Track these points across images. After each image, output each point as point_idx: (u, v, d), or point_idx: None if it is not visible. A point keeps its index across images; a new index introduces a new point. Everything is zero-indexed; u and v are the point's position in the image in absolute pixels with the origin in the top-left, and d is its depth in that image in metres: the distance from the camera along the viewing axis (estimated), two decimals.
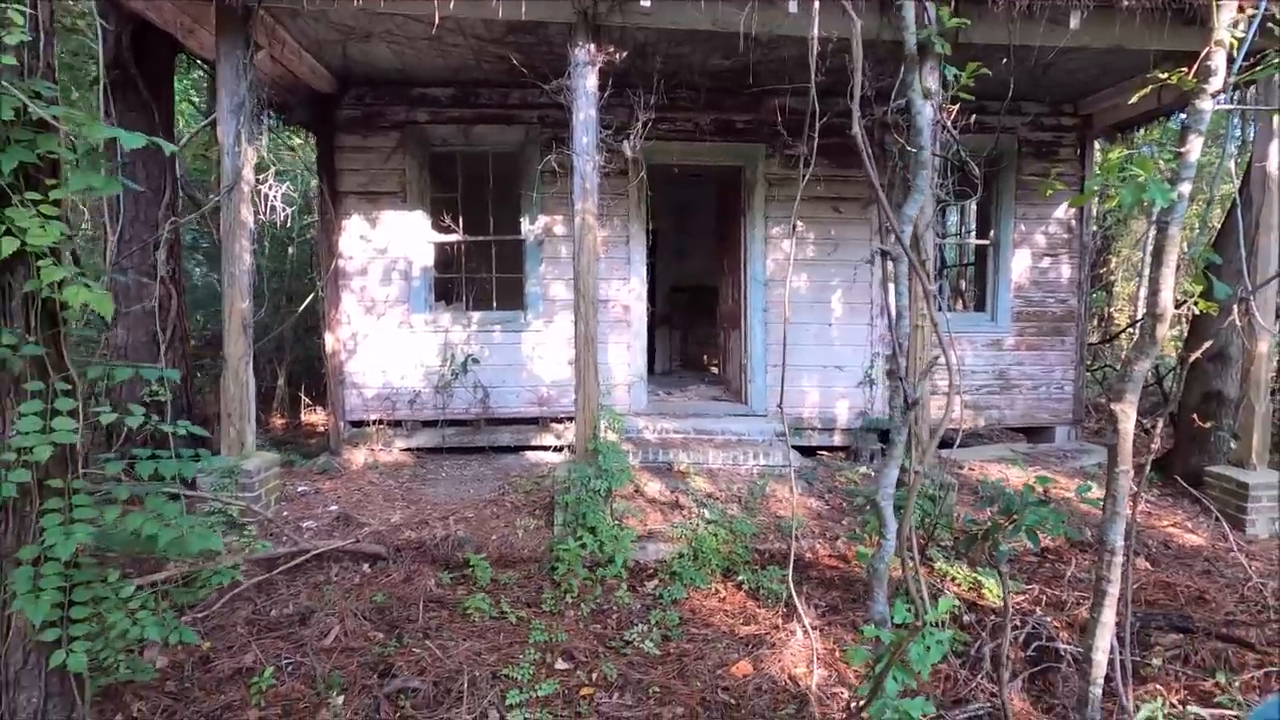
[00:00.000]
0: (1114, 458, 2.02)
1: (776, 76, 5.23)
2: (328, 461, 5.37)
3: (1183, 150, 1.88)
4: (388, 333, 5.92)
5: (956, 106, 3.91)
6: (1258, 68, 1.89)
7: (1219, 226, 6.15)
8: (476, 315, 6.03)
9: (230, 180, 4.02)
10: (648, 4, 3.96)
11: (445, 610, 3.33)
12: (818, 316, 6.16)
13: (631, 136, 4.61)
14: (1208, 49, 1.84)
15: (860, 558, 3.82)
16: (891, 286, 2.58)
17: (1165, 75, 2.00)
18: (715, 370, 8.69)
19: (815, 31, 2.79)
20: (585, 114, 4.17)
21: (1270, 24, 1.93)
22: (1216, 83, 1.83)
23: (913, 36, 2.48)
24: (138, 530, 1.70)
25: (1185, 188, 1.88)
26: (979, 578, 3.61)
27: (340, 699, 2.55)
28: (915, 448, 3.73)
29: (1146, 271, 10.15)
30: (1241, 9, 2.01)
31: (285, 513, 4.30)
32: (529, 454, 5.95)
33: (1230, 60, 1.91)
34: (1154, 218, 1.95)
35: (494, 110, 5.84)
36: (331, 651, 2.89)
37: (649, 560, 4.03)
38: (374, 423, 5.89)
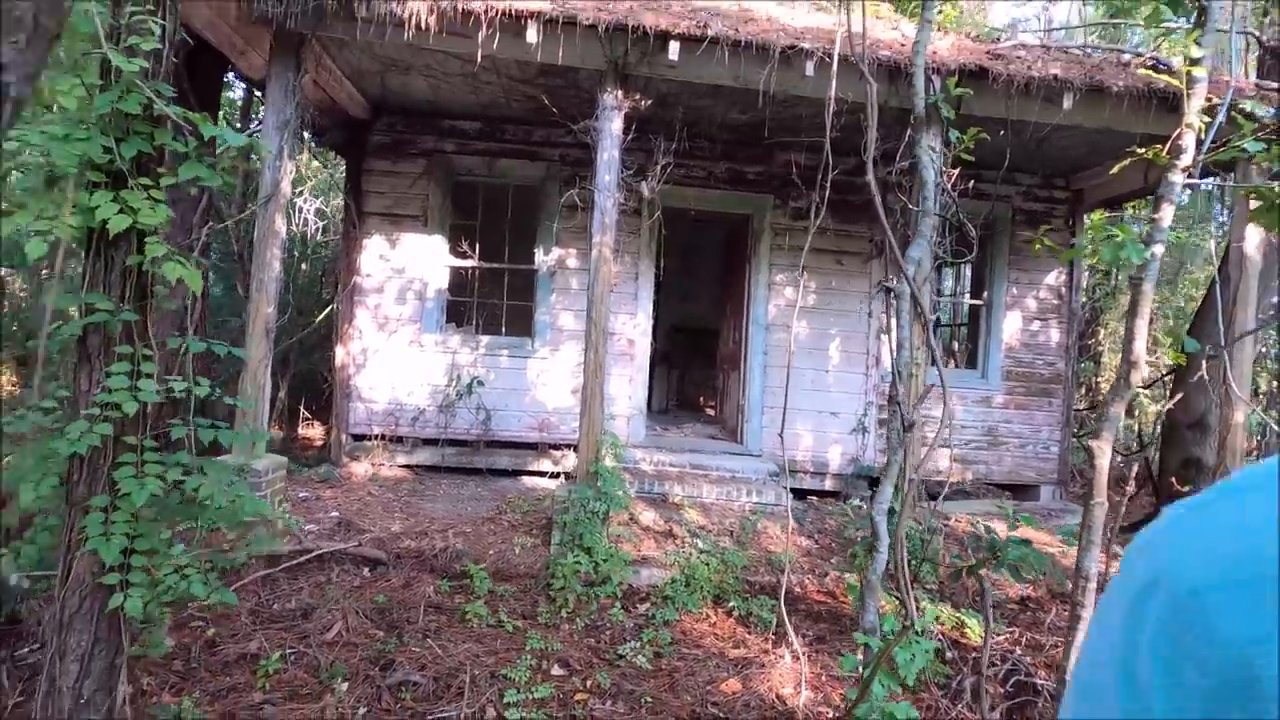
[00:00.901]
0: (1090, 491, 2.21)
1: (788, 132, 5.58)
2: (329, 470, 5.47)
3: (1156, 216, 2.13)
4: (398, 350, 6.09)
5: (956, 171, 4.24)
6: (1223, 149, 2.16)
7: (1200, 304, 6.47)
8: (485, 339, 6.23)
9: (269, 191, 4.25)
10: (674, 58, 4.29)
11: (444, 615, 3.43)
12: (815, 363, 6.38)
13: (650, 179, 4.91)
14: (1179, 130, 2.11)
15: (849, 590, 3.95)
16: (894, 320, 2.79)
17: (1143, 151, 2.26)
18: (711, 411, 8.86)
19: (833, 92, 3.07)
20: (609, 154, 4.46)
21: (1234, 112, 2.20)
22: (1186, 160, 2.10)
23: (921, 100, 2.74)
24: (192, 494, 1.85)
25: (1158, 249, 2.12)
26: (962, 618, 3.74)
27: (344, 686, 2.64)
28: (907, 473, 3.92)
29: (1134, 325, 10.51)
30: (1209, 99, 2.29)
31: (288, 515, 4.39)
32: (525, 479, 6.07)
33: (1199, 142, 2.18)
34: (1131, 275, 2.18)
35: (518, 145, 6.15)
36: (334, 645, 2.99)
37: (642, 584, 4.14)
38: (377, 437, 6.01)
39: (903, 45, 4.58)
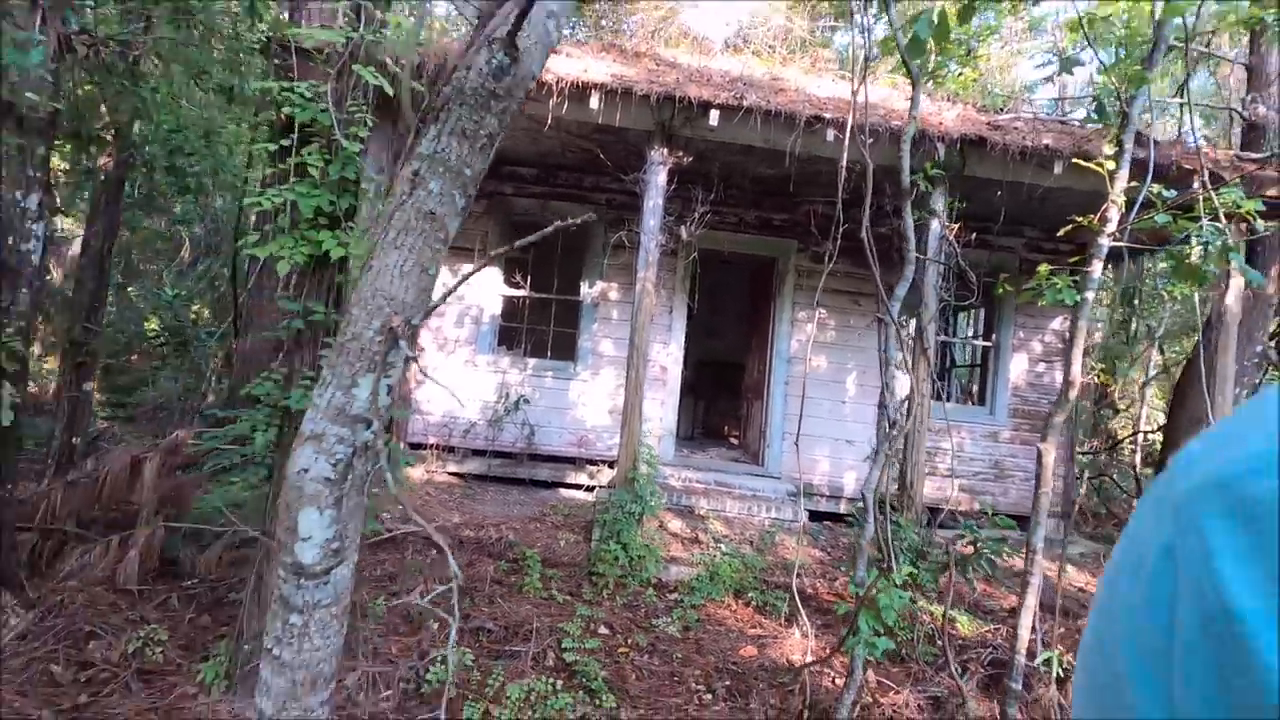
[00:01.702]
0: (1038, 482, 2.84)
1: (812, 185, 6.34)
2: (395, 475, 6.19)
3: (1088, 269, 2.80)
4: (454, 368, 6.86)
5: (958, 225, 4.95)
6: (1142, 220, 2.82)
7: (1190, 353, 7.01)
8: (532, 361, 6.98)
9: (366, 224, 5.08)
10: (714, 123, 5.08)
11: (504, 587, 4.08)
12: (832, 394, 7.02)
13: (689, 224, 5.68)
14: (1105, 206, 2.79)
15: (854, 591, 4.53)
16: (882, 343, 3.44)
17: (1082, 219, 2.95)
18: (734, 440, 9.47)
19: (844, 161, 3.80)
20: (654, 202, 5.24)
21: (1151, 195, 2.86)
22: (1111, 227, 2.78)
23: (908, 177, 3.41)
24: None
25: (1089, 294, 2.79)
26: (954, 615, 4.29)
27: (435, 626, 3.30)
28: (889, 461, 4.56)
29: (1147, 391, 10.97)
30: (1131, 179, 2.97)
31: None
32: (563, 490, 6.73)
33: (1125, 213, 2.87)
34: (1074, 314, 2.85)
35: (569, 190, 6.99)
36: (423, 594, 3.65)
37: (671, 579, 4.75)
38: (431, 446, 6.74)
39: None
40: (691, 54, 7.12)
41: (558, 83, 4.92)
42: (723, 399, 10.14)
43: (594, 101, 5.02)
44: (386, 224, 1.26)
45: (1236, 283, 5.56)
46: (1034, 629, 2.85)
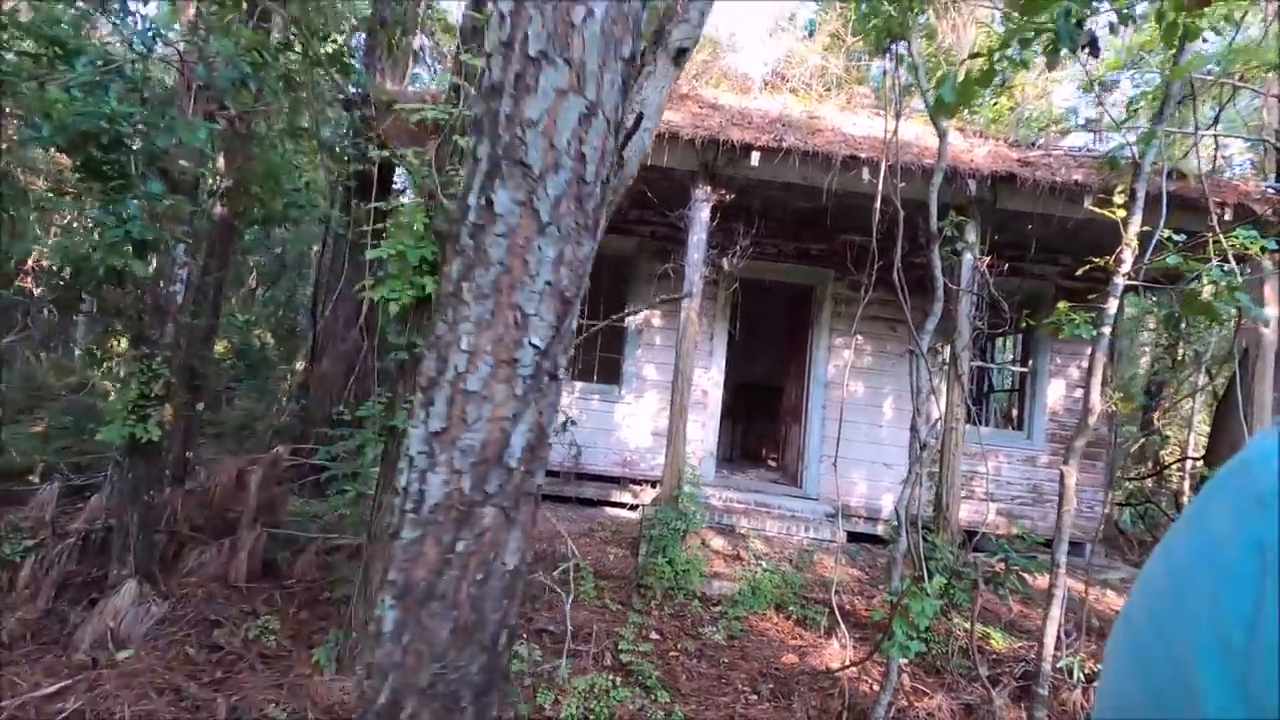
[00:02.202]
0: (1060, 502, 3.11)
1: (848, 216, 6.67)
2: None
3: (1104, 306, 3.09)
4: None
5: (988, 259, 5.24)
6: (1155, 260, 3.10)
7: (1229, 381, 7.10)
8: (579, 385, 7.39)
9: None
10: (755, 163, 5.47)
11: (560, 594, 4.44)
12: (870, 418, 7.27)
13: (730, 256, 6.06)
14: (1119, 249, 3.09)
15: (889, 599, 4.78)
16: (914, 373, 3.74)
17: (1098, 260, 3.24)
18: (772, 462, 9.73)
19: (879, 203, 4.14)
20: (698, 237, 5.64)
21: (1163, 239, 3.14)
22: (1124, 268, 3.07)
23: (935, 223, 3.71)
24: None
25: (1106, 329, 3.08)
26: (989, 631, 4.51)
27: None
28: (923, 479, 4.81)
29: (1195, 418, 10.90)
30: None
31: None
32: (609, 509, 7.08)
33: (1139, 255, 3.15)
34: (1092, 349, 3.13)
35: (616, 222, 7.42)
36: None
37: (714, 593, 5.05)
38: None
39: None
40: (733, 93, 7.55)
41: None
42: (762, 422, 10.42)
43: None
44: None
45: (1273, 309, 5.70)
46: (1059, 639, 3.10)
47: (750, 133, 5.51)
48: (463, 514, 0.92)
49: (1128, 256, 3.05)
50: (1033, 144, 6.26)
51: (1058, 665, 3.08)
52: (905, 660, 3.07)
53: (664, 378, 7.15)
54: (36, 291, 6.91)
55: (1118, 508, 8.82)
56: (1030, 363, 7.50)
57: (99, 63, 2.32)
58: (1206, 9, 2.90)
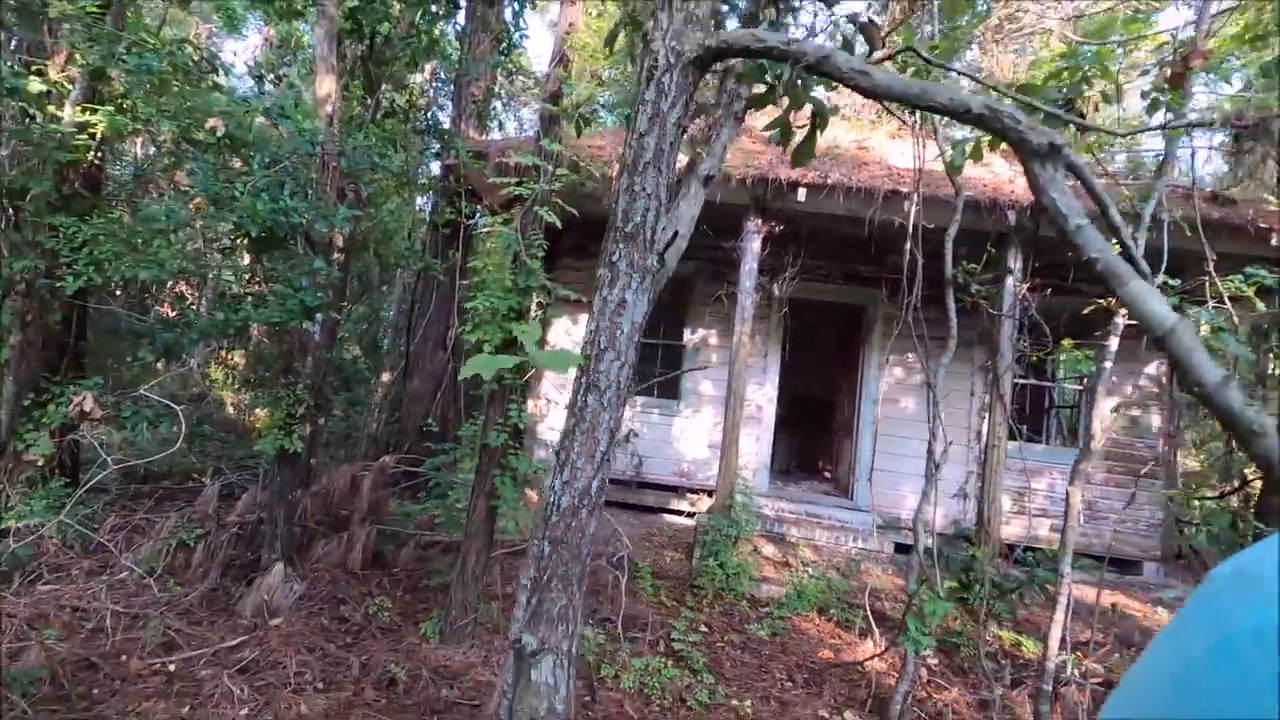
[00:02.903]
0: (1066, 519, 3.52)
1: (895, 238, 7.03)
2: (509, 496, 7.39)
3: (1105, 344, 3.49)
4: None
5: (1026, 284, 5.57)
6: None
7: None
8: (640, 400, 8.03)
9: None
10: (801, 199, 5.99)
11: (623, 592, 5.06)
12: (920, 433, 7.57)
13: (780, 282, 6.57)
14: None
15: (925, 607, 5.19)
16: (931, 404, 4.18)
17: (1104, 301, 3.63)
18: (827, 474, 10.10)
19: (907, 244, 4.60)
20: (749, 266, 6.18)
21: (1164, 286, 3.50)
22: (1124, 309, 3.46)
23: (949, 268, 4.14)
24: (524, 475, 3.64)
25: (1107, 364, 3.48)
26: (1020, 639, 4.87)
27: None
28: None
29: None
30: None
31: None
32: (667, 515, 7.68)
33: None
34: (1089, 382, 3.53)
35: (690, 246, 8.04)
36: None
37: (762, 595, 5.57)
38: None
39: (986, 184, 6.01)
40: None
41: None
42: (815, 435, 10.80)
43: None
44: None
45: None
46: (1064, 640, 3.51)
47: (797, 171, 6.02)
48: (574, 511, 1.63)
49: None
50: None
51: (1061, 666, 3.48)
52: (924, 654, 3.55)
53: (719, 393, 7.70)
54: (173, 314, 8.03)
55: (1192, 527, 8.77)
56: (1085, 380, 7.67)
57: (269, 162, 3.11)
58: (1190, 72, 3.28)
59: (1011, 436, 6.18)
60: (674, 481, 7.85)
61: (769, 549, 6.51)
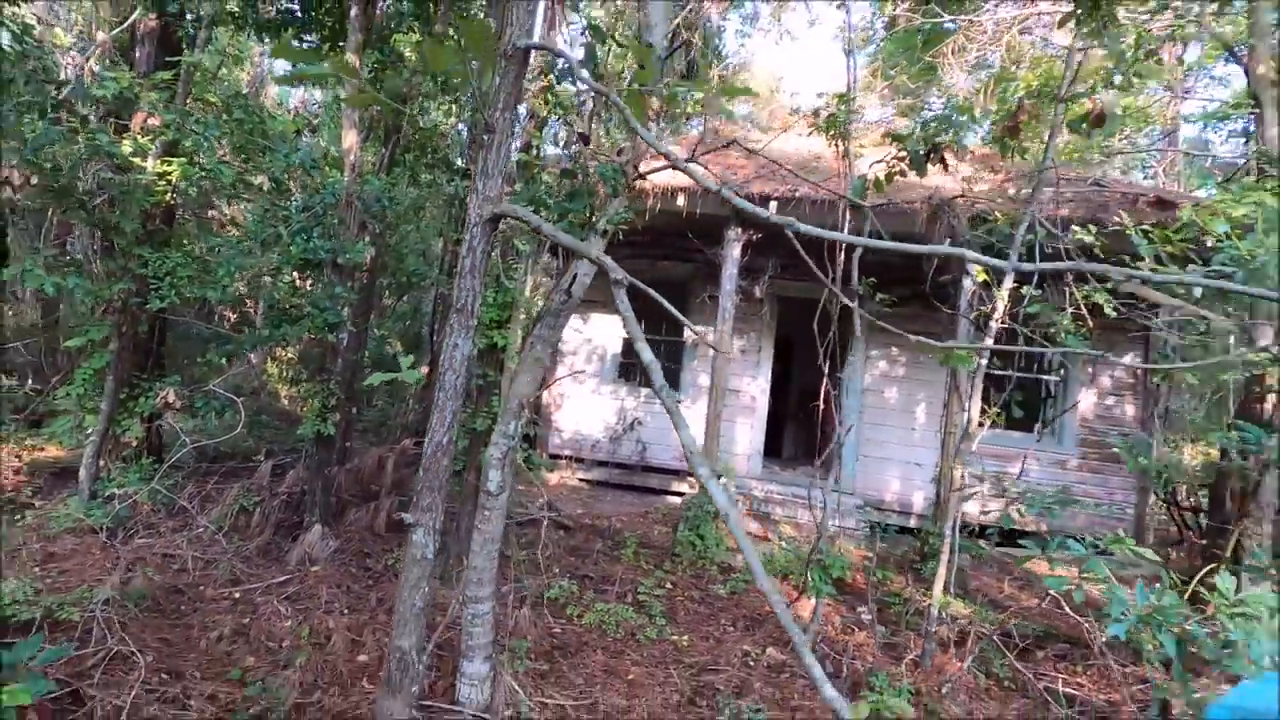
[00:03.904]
0: (948, 489, 4.25)
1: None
2: (535, 475, 8.37)
3: (980, 346, 4.21)
4: (583, 396, 8.96)
5: (974, 285, 6.19)
6: (1028, 307, 4.15)
7: None
8: (644, 391, 8.91)
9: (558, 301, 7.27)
10: (773, 210, 6.73)
11: (607, 557, 5.98)
12: (902, 422, 8.28)
13: (761, 284, 7.34)
14: (995, 301, 4.19)
15: (867, 573, 5.94)
16: (848, 399, 4.92)
17: (986, 308, 4.33)
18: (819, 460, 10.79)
19: (850, 256, 5.33)
20: (730, 271, 6.98)
21: (1033, 299, 4.17)
22: (997, 313, 4.17)
23: (856, 282, 4.85)
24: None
25: (983, 361, 4.19)
26: (949, 599, 5.58)
27: (555, 570, 5.26)
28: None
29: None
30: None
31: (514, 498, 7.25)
32: (668, 497, 8.55)
33: (1010, 304, 4.23)
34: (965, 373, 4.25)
35: (672, 253, 8.88)
36: (550, 560, 5.65)
37: (734, 564, 6.40)
38: (565, 457, 8.86)
39: (935, 190, 6.65)
40: (780, 134, 8.76)
41: (653, 188, 6.84)
42: (808, 424, 11.48)
43: (680, 200, 6.89)
44: (520, 361, 3.20)
45: None
46: (947, 589, 4.26)
47: (770, 185, 6.79)
48: (434, 454, 2.56)
49: (1000, 306, 4.14)
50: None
51: (944, 608, 4.24)
52: (824, 598, 4.35)
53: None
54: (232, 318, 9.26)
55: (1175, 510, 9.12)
56: (1061, 372, 8.20)
57: (303, 207, 4.10)
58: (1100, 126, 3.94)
59: (995, 425, 6.82)
60: (675, 466, 8.72)
61: (753, 526, 7.33)
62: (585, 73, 2.86)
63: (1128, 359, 8.01)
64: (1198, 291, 3.91)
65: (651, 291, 2.38)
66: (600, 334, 9.01)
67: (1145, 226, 3.81)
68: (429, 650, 3.14)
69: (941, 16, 6.82)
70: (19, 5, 6.36)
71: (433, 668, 3.49)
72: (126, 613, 3.58)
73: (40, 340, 8.32)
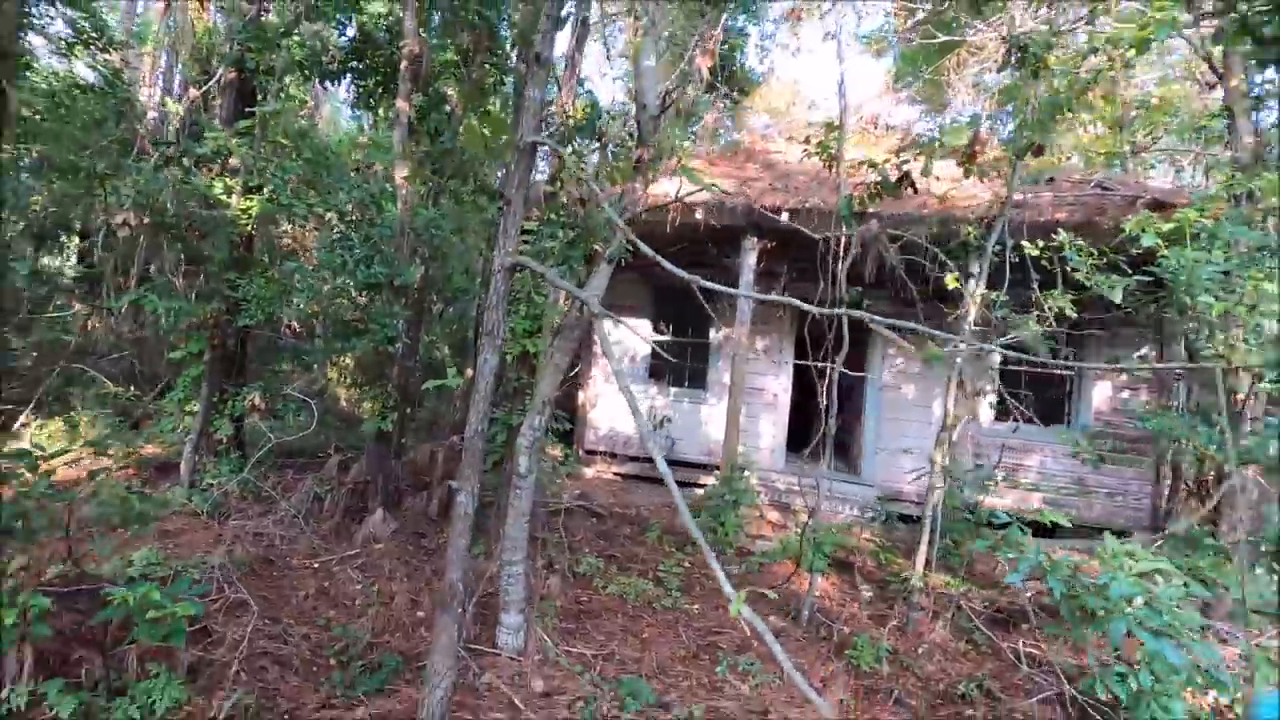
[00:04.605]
0: (931, 476, 4.84)
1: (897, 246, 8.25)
2: (572, 467, 9.15)
3: (955, 346, 4.78)
4: (616, 396, 9.70)
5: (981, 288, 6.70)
6: (997, 308, 4.68)
7: None
8: (673, 389, 9.60)
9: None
10: (785, 219, 7.34)
11: (633, 541, 6.70)
12: (919, 416, 8.77)
13: (778, 287, 7.95)
14: (966, 304, 4.76)
15: (872, 555, 6.51)
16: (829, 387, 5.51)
17: (955, 310, 4.89)
18: (840, 454, 11.29)
19: (847, 252, 5.92)
20: (746, 278, 7.62)
21: (996, 301, 4.70)
22: (970, 316, 4.73)
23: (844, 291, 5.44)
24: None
25: (959, 359, 4.76)
26: (950, 580, 6.12)
27: (587, 551, 6.00)
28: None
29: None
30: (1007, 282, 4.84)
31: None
32: (695, 489, 9.21)
33: (982, 308, 4.78)
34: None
35: (698, 259, 9.52)
36: (580, 543, 6.40)
37: (753, 549, 7.05)
38: (599, 452, 9.62)
39: (954, 199, 7.14)
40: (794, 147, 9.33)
41: (674, 204, 7.51)
42: (840, 421, 11.96)
43: (699, 213, 7.55)
44: (543, 367, 3.94)
45: None
46: (929, 563, 4.84)
47: (782, 198, 7.39)
48: (472, 439, 3.30)
49: (972, 311, 4.70)
50: (1036, 181, 7.48)
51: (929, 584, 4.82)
52: (821, 572, 4.97)
53: (742, 384, 9.12)
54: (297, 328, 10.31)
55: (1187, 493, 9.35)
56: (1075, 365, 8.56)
57: (365, 238, 4.96)
58: (1041, 156, 4.49)
59: (1007, 417, 7.30)
60: (702, 460, 9.39)
61: (774, 515, 7.96)
62: (578, 157, 3.58)
63: (1140, 350, 8.33)
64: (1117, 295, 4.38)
65: (694, 279, 3.04)
66: (631, 336, 9.74)
67: (1081, 241, 4.32)
68: (473, 602, 3.92)
69: (937, 37, 7.28)
70: (109, 52, 7.45)
71: (476, 621, 4.27)
72: (234, 574, 4.46)
73: (131, 353, 9.49)
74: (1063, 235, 6.81)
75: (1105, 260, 4.10)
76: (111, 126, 6.86)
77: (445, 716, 3.07)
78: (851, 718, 3.88)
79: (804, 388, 12.05)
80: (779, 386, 9.26)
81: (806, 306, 2.86)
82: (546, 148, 5.45)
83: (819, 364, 5.75)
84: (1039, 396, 10.92)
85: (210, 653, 3.40)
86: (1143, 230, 4.01)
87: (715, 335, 9.48)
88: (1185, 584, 3.24)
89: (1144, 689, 3.00)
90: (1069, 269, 4.60)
